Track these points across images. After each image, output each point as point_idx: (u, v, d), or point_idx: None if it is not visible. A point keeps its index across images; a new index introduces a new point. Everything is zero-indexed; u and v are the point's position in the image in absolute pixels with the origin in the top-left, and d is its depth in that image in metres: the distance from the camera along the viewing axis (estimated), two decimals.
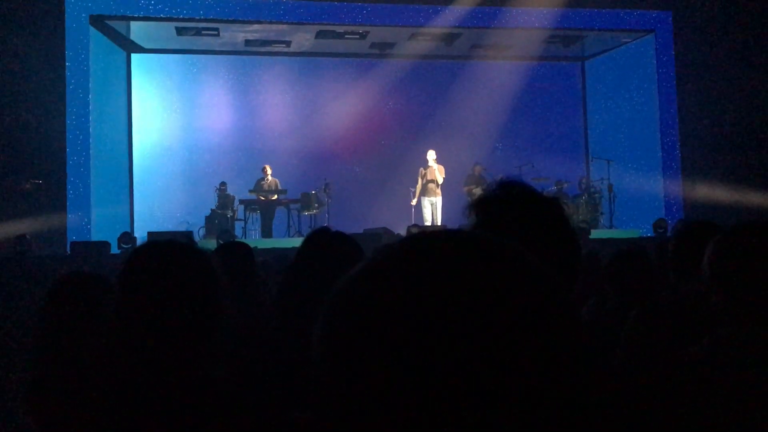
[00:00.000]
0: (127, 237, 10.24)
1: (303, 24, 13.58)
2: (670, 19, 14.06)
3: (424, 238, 0.52)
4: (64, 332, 2.13)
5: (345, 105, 15.02)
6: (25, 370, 2.26)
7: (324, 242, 1.97)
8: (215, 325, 1.45)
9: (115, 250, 9.96)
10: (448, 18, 13.47)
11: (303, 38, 14.45)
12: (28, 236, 9.85)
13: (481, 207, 1.32)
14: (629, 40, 14.99)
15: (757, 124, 12.85)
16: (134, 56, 14.98)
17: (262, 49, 15.06)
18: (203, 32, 13.95)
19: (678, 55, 13.92)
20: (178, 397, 1.39)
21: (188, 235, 10.30)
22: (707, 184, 13.00)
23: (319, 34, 14.16)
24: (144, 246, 1.52)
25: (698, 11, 13.41)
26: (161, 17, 12.91)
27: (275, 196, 12.96)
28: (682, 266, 2.30)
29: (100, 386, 1.68)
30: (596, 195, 13.52)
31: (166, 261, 1.46)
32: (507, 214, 1.28)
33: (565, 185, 13.47)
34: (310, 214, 13.08)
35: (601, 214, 13.49)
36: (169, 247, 1.48)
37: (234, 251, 3.29)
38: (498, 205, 1.30)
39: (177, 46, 14.84)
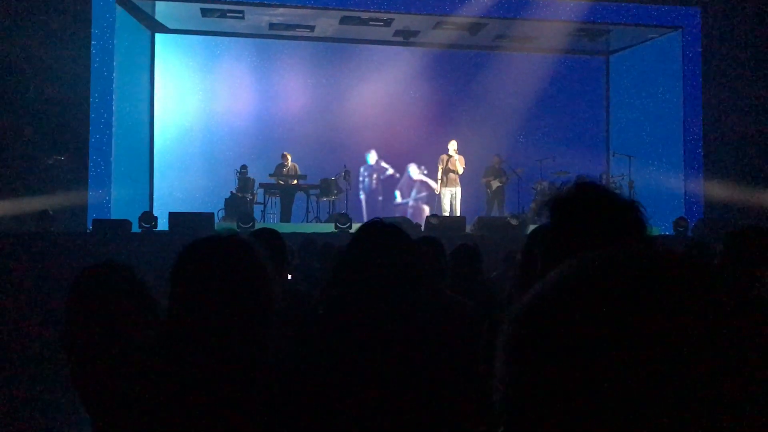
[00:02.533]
0: (148, 216, 10.29)
1: (327, 9, 13.54)
2: (699, 15, 13.89)
3: (633, 255, 0.53)
4: (91, 323, 2.10)
5: (367, 92, 14.99)
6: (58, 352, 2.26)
7: (377, 234, 1.98)
8: (267, 317, 1.48)
9: (136, 229, 10.02)
10: (473, 7, 13.38)
11: (327, 23, 14.41)
12: (50, 212, 9.93)
13: (557, 208, 1.31)
14: (656, 36, 14.84)
15: None
16: (158, 36, 15.01)
17: (286, 33, 15.03)
18: (228, 14, 13.95)
19: (705, 52, 13.76)
20: (234, 386, 1.42)
21: (209, 216, 10.36)
22: (729, 184, 12.88)
23: (344, 20, 14.11)
24: (194, 243, 1.54)
25: (727, 9, 13.24)
26: None
27: (295, 181, 12.99)
28: (733, 274, 2.28)
29: (145, 376, 1.69)
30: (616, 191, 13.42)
31: (216, 257, 1.48)
32: (583, 215, 1.28)
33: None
34: (330, 200, 13.10)
35: None
36: (218, 242, 1.50)
37: (265, 237, 3.30)
38: (574, 206, 1.29)
39: (201, 28, 14.85)
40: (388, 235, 1.97)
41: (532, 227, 11.12)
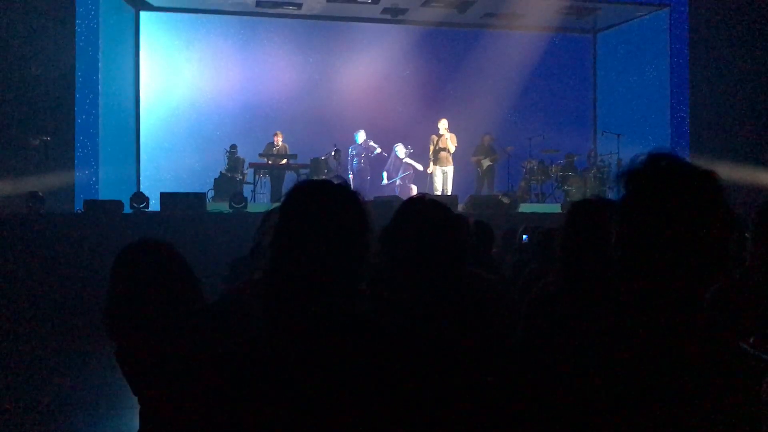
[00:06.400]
0: (140, 197, 10.19)
1: None
2: None
3: None
4: (136, 300, 2.06)
5: (356, 70, 14.90)
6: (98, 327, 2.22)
7: (421, 209, 1.99)
8: (363, 263, 1.48)
9: (127, 209, 9.93)
10: None
11: (314, 1, 14.25)
12: (40, 193, 9.81)
13: (630, 180, 1.32)
14: (643, 14, 14.87)
15: None
16: (143, 14, 14.77)
17: (273, 11, 14.86)
18: None
19: (692, 30, 13.81)
20: (328, 333, 1.41)
21: (201, 196, 10.28)
22: (715, 162, 12.99)
23: None
24: (306, 182, 1.55)
25: None
26: None
27: (285, 161, 12.92)
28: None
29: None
30: (604, 169, 13.52)
31: (324, 198, 1.49)
32: (657, 188, 1.29)
33: (576, 158, 13.47)
34: None
35: (609, 188, 13.51)
36: (325, 185, 1.51)
37: None
38: (648, 178, 1.30)
39: (186, 5, 14.64)
40: (435, 209, 1.98)
41: (522, 206, 11.02)
